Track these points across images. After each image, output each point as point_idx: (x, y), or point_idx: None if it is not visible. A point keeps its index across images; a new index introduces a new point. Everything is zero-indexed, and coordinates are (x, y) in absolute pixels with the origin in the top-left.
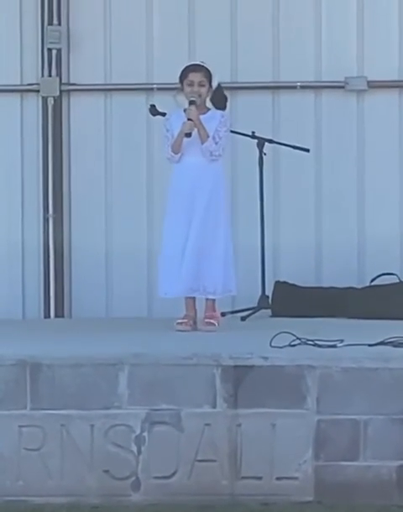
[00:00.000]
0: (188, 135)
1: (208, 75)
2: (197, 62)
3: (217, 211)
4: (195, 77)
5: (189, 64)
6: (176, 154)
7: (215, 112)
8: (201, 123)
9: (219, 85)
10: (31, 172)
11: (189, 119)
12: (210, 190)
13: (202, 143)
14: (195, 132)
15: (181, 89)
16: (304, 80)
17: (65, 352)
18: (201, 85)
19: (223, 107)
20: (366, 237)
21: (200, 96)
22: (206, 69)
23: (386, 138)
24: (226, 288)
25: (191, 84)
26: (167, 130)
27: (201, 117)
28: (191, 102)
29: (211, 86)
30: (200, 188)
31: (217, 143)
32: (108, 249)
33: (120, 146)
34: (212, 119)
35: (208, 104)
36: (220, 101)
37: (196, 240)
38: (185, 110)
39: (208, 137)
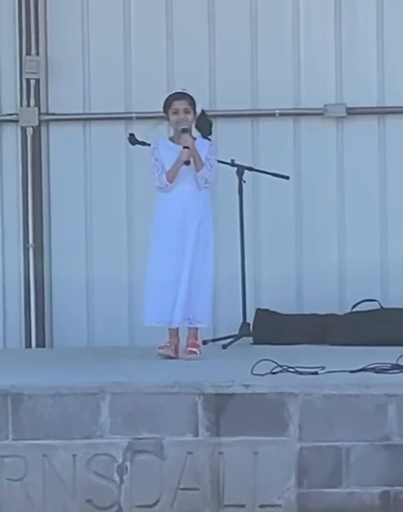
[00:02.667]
0: (187, 163)
1: (192, 101)
2: (180, 90)
3: (206, 239)
4: (180, 105)
5: (172, 92)
6: (171, 182)
7: (202, 141)
8: (196, 151)
9: (203, 111)
10: (11, 202)
11: (185, 147)
12: (201, 219)
13: (197, 170)
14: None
15: (166, 118)
16: (283, 108)
17: (47, 381)
18: (186, 112)
19: (209, 133)
20: (347, 263)
21: (188, 122)
22: (190, 96)
23: (366, 164)
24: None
25: (177, 112)
26: (156, 159)
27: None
28: (184, 130)
29: (195, 112)
30: (191, 217)
31: (210, 170)
32: (89, 278)
33: (100, 175)
34: (202, 147)
35: (193, 132)
36: (205, 127)
37: (190, 269)
38: (170, 139)
39: (203, 164)
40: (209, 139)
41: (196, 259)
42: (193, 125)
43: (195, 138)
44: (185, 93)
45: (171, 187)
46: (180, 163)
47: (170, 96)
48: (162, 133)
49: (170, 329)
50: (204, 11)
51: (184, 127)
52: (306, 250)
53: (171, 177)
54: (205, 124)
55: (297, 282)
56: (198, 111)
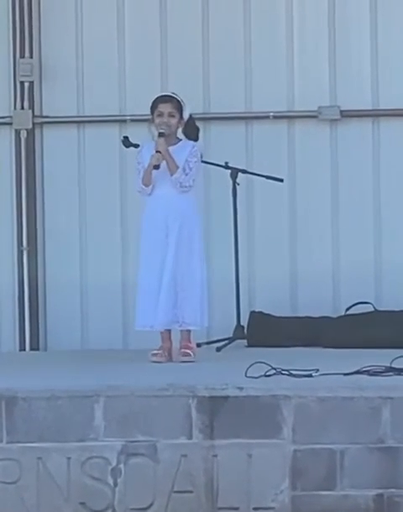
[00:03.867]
0: (156, 167)
1: (178, 105)
2: (168, 93)
3: (190, 241)
4: (164, 108)
5: (159, 95)
6: (147, 186)
7: (186, 143)
8: (169, 155)
9: (191, 116)
10: (5, 205)
11: (157, 151)
12: (182, 222)
13: (171, 174)
14: (163, 164)
15: (152, 120)
16: (277, 110)
17: (41, 384)
18: (170, 115)
19: (196, 138)
20: (341, 266)
21: (169, 126)
22: (177, 100)
23: (359, 167)
24: (204, 319)
25: (161, 115)
26: (138, 163)
27: (172, 148)
28: (160, 134)
29: (182, 116)
30: (172, 220)
31: (187, 175)
32: (83, 281)
33: (94, 178)
34: (183, 150)
35: (180, 135)
36: (192, 132)
37: (172, 272)
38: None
39: (177, 168)
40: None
41: (178, 262)
42: (179, 129)
43: (180, 140)
44: (172, 96)
45: (148, 191)
46: (151, 167)
47: (156, 98)
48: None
49: (161, 333)
50: (198, 13)
51: (160, 131)
52: (300, 253)
53: (146, 181)
54: (192, 130)
55: (291, 285)
56: (186, 115)
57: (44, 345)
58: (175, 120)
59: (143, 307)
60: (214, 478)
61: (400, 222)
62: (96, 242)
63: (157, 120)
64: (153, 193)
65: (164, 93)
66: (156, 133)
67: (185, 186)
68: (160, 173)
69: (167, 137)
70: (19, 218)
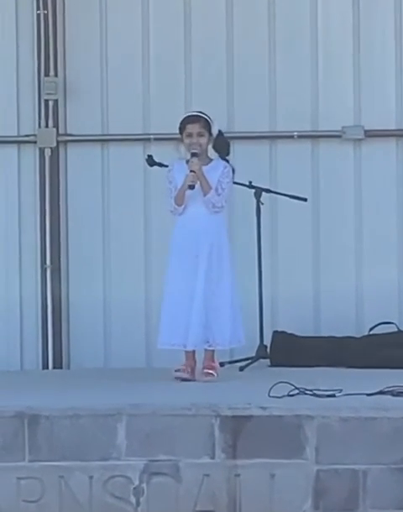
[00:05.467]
0: (191, 187)
1: (207, 124)
2: (195, 112)
3: (220, 261)
4: (193, 129)
5: (186, 115)
6: (179, 206)
7: (218, 163)
8: (203, 175)
9: (220, 132)
10: (28, 223)
11: (191, 171)
12: (213, 242)
13: (205, 195)
14: (197, 184)
15: (181, 140)
16: (301, 130)
17: (64, 403)
18: (199, 135)
19: (227, 153)
20: (364, 286)
21: (200, 146)
22: (205, 118)
23: (383, 186)
24: (235, 338)
25: (190, 135)
26: (170, 182)
27: (204, 168)
28: (193, 154)
29: (211, 134)
30: (203, 239)
31: (219, 195)
32: (106, 300)
33: (117, 197)
34: (215, 170)
35: (211, 152)
36: (222, 148)
37: (203, 292)
38: (187, 161)
39: (211, 189)
40: (227, 161)
41: (209, 282)
42: (210, 146)
43: (211, 159)
44: (199, 116)
45: (181, 210)
46: (185, 187)
47: (184, 118)
48: (184, 154)
49: (186, 351)
50: (222, 32)
51: (194, 151)
52: (324, 272)
53: (179, 201)
54: (222, 145)
55: (314, 304)
56: (215, 131)
57: (67, 363)
58: (205, 139)
59: (172, 326)
60: (237, 498)
61: None
62: (120, 260)
63: (187, 140)
64: (184, 212)
65: (191, 113)
66: (188, 154)
67: (218, 207)
68: (192, 192)
69: (200, 157)
70: (43, 236)
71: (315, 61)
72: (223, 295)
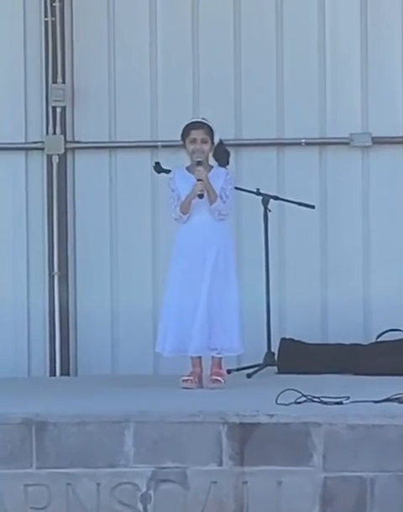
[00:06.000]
0: (200, 196)
1: (210, 131)
2: (198, 119)
3: (226, 268)
4: (197, 135)
5: (190, 121)
6: (185, 214)
7: (218, 170)
8: (209, 184)
9: (221, 141)
10: (36, 230)
11: (198, 180)
12: (218, 249)
13: (211, 203)
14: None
15: (183, 146)
16: (308, 137)
17: (71, 410)
18: (203, 142)
19: (226, 163)
20: (372, 293)
21: (203, 153)
22: (208, 125)
23: (391, 193)
24: (241, 345)
25: (194, 141)
26: (172, 190)
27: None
28: (198, 163)
29: (213, 142)
30: (209, 246)
31: (224, 203)
32: (114, 307)
33: (125, 204)
34: (217, 177)
35: (210, 160)
36: (222, 157)
37: (208, 298)
38: (187, 168)
39: (217, 197)
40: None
41: (214, 289)
42: (210, 154)
43: (212, 167)
44: (203, 122)
45: (186, 218)
46: (193, 196)
47: (188, 124)
48: (185, 159)
49: (192, 358)
50: (230, 40)
51: (198, 159)
52: (331, 279)
53: (185, 209)
54: (222, 154)
55: (322, 311)
56: (216, 140)
57: (75, 370)
58: (208, 146)
59: (180, 333)
60: (244, 505)
61: None
62: (127, 267)
63: (190, 146)
64: (189, 220)
65: (194, 119)
66: (189, 159)
67: (224, 214)
68: (196, 200)
69: (204, 164)
70: (50, 243)
71: (323, 68)
72: (230, 301)
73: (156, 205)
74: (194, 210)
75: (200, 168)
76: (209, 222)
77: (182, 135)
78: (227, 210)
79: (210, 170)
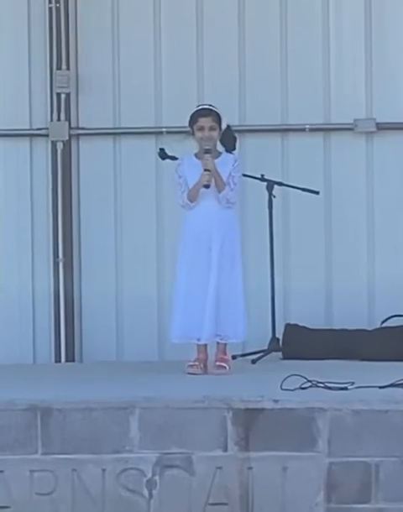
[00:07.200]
0: (207, 186)
1: (218, 118)
2: (206, 106)
3: (233, 255)
4: (205, 122)
5: (198, 108)
6: (192, 202)
7: (227, 156)
8: (217, 172)
9: (228, 126)
10: (41, 216)
11: (206, 170)
12: (225, 235)
13: (219, 191)
14: (212, 181)
15: (191, 133)
16: (313, 123)
17: (76, 396)
18: (211, 129)
19: (233, 148)
20: (376, 279)
21: (211, 139)
22: (216, 112)
23: (396, 179)
24: (245, 331)
25: (202, 129)
26: (179, 176)
27: (215, 162)
28: (207, 151)
29: (221, 128)
30: (216, 233)
31: (232, 190)
32: (119, 293)
33: (129, 190)
34: (225, 164)
35: (218, 146)
36: (229, 142)
37: (216, 285)
38: (196, 155)
39: (225, 185)
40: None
41: (221, 276)
42: (218, 141)
43: (220, 153)
44: (211, 109)
45: (193, 206)
46: (200, 185)
47: (196, 111)
48: (190, 146)
49: (198, 345)
50: (234, 26)
51: (206, 147)
52: (336, 265)
53: (192, 197)
54: (229, 139)
55: (327, 297)
56: (223, 126)
57: (80, 357)
58: (216, 133)
59: (187, 319)
60: (249, 491)
61: None
62: (132, 253)
63: (198, 134)
64: (195, 207)
65: (202, 106)
66: (197, 146)
67: (232, 202)
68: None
69: (212, 152)
70: (55, 230)
71: (327, 54)
72: (236, 288)
73: (161, 191)
74: (201, 196)
75: (208, 156)
76: (216, 208)
77: (190, 122)
78: (235, 198)
79: (218, 156)
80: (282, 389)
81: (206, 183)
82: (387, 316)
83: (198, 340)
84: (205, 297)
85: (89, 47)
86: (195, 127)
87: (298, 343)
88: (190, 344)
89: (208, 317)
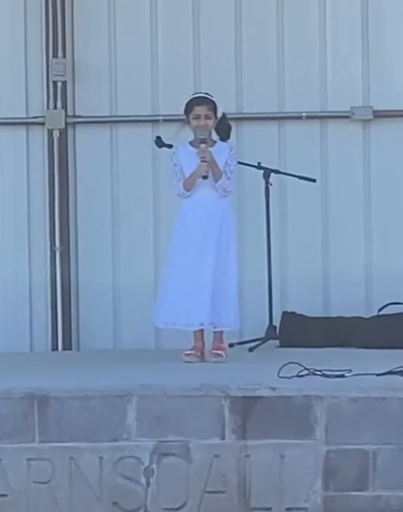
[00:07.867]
0: (205, 177)
1: (213, 106)
2: (202, 94)
3: (228, 243)
4: (201, 111)
5: (194, 96)
6: (188, 191)
7: (222, 145)
8: (214, 162)
9: (223, 114)
10: (37, 205)
11: (203, 161)
12: (221, 224)
13: (216, 180)
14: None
15: (187, 122)
16: (309, 111)
17: (73, 384)
18: (207, 118)
19: (227, 137)
20: (373, 266)
21: (206, 128)
22: (212, 100)
23: (392, 167)
24: (238, 320)
25: (198, 117)
26: (175, 164)
27: (211, 150)
28: (202, 141)
29: (216, 117)
30: (211, 222)
31: (229, 179)
32: (115, 281)
33: (126, 178)
34: (221, 152)
35: (213, 135)
36: (224, 131)
37: (211, 273)
38: (191, 143)
39: (222, 174)
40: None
41: (217, 263)
42: (212, 129)
43: (215, 141)
44: (206, 98)
45: (189, 195)
46: (197, 176)
47: (191, 99)
48: (187, 135)
49: (194, 333)
50: (231, 14)
51: (202, 137)
52: (333, 253)
53: (188, 186)
54: (224, 128)
55: (324, 285)
56: (219, 114)
57: (77, 345)
58: (212, 121)
59: (174, 306)
60: (247, 479)
61: None
62: (129, 242)
63: (194, 122)
64: (192, 195)
65: (198, 94)
66: (192, 134)
67: (228, 191)
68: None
69: (208, 141)
70: (52, 218)
71: (323, 41)
72: (231, 276)
73: (157, 179)
74: (197, 185)
75: (204, 146)
76: (212, 197)
77: (185, 110)
78: (232, 186)
79: (213, 145)
80: (279, 376)
81: (204, 174)
82: (384, 304)
83: (187, 326)
84: (197, 285)
85: (85, 35)
86: (190, 115)
87: (295, 331)
88: (186, 332)
89: (205, 304)
